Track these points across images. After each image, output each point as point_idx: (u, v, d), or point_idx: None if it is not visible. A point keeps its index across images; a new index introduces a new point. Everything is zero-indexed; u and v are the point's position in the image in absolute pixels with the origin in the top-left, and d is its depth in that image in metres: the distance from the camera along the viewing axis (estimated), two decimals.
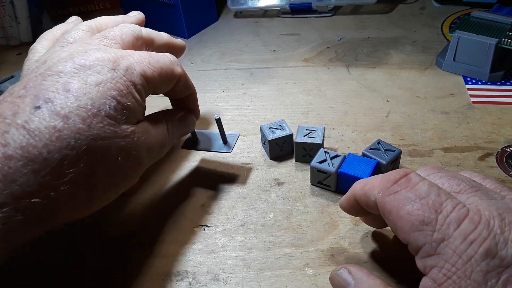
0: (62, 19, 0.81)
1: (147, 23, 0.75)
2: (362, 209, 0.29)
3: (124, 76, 0.29)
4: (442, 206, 0.23)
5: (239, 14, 0.77)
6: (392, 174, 0.26)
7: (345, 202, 0.31)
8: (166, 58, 0.33)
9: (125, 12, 0.76)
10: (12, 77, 0.62)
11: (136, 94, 0.30)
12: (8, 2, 0.69)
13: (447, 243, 0.22)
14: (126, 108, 0.28)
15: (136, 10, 0.77)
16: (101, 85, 0.27)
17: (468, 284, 0.21)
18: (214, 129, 0.50)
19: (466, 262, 0.21)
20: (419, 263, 0.23)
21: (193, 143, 0.42)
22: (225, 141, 0.41)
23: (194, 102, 0.39)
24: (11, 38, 0.73)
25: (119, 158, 0.28)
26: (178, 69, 0.34)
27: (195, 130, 0.41)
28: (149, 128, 0.32)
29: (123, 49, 0.32)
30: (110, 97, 0.27)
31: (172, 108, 0.40)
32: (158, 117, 0.35)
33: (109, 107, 0.27)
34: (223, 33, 0.73)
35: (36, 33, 0.74)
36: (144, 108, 0.32)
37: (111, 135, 0.27)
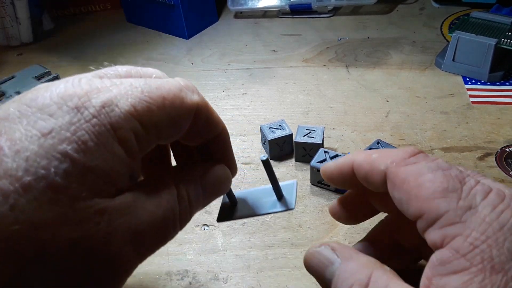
0: (62, 19, 0.82)
1: (147, 23, 0.76)
2: (349, 180, 0.25)
3: (95, 117, 0.18)
4: (466, 179, 0.21)
5: (239, 15, 0.78)
6: (409, 148, 0.24)
7: (335, 167, 0.26)
8: (172, 83, 0.21)
9: (125, 12, 0.77)
10: (12, 77, 0.62)
11: (115, 146, 0.18)
12: (9, 3, 0.69)
13: (474, 211, 0.20)
14: (90, 171, 0.17)
15: (136, 10, 0.77)
16: (49, 135, 0.17)
17: (501, 253, 0.19)
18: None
19: (498, 230, 0.19)
20: (435, 234, 0.20)
21: (232, 209, 0.28)
22: (280, 196, 0.27)
23: (226, 146, 0.26)
24: (11, 39, 0.73)
25: (70, 263, 0.17)
26: (193, 98, 0.22)
27: (232, 190, 0.27)
28: (138, 202, 0.20)
29: None
30: (59, 155, 0.17)
31: (187, 161, 0.27)
32: (162, 179, 0.22)
33: (55, 171, 0.17)
34: (223, 33, 0.73)
35: (36, 34, 0.75)
36: (134, 170, 0.20)
37: (55, 221, 0.16)
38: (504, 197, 0.20)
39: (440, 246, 0.20)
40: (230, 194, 0.28)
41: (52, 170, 0.17)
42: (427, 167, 0.22)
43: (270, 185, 0.27)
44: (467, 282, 0.18)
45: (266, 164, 0.26)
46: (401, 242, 0.27)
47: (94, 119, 0.18)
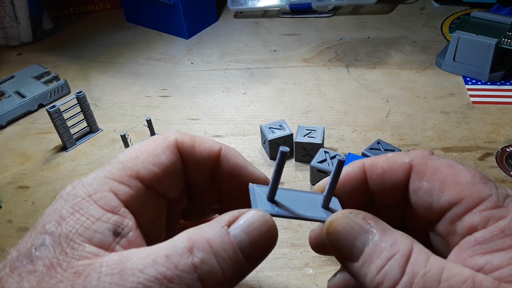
0: (62, 19, 0.82)
1: (147, 23, 0.76)
2: (357, 188, 0.24)
3: (72, 194, 0.20)
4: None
5: (239, 14, 0.78)
6: (425, 150, 0.25)
7: (347, 176, 0.24)
8: (143, 141, 0.24)
9: (125, 11, 0.77)
10: (12, 77, 0.62)
11: (91, 208, 0.20)
12: (8, 2, 0.69)
13: (511, 199, 0.21)
14: (66, 237, 0.19)
15: (136, 10, 0.77)
16: (39, 225, 0.20)
17: None
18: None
19: None
20: (476, 217, 0.20)
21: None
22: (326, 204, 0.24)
23: (235, 162, 0.25)
24: (11, 38, 0.73)
25: None
26: (170, 136, 0.24)
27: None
28: (126, 261, 0.18)
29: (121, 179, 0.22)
30: (40, 234, 0.19)
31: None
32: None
33: (35, 247, 0.19)
34: (223, 33, 0.73)
35: (36, 33, 0.74)
36: (119, 225, 0.20)
37: None
38: None
39: (480, 228, 0.20)
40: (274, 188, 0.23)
41: (33, 248, 0.19)
42: (455, 161, 0.22)
43: (318, 194, 0.24)
44: None
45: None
46: None
47: (71, 196, 0.20)
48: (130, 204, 0.21)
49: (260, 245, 0.20)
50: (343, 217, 0.21)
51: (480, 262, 0.19)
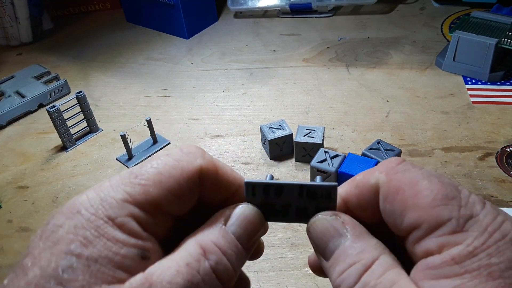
0: (62, 19, 0.82)
1: (147, 23, 0.76)
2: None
3: (93, 214, 0.20)
4: (459, 187, 0.21)
5: (239, 14, 0.78)
6: (393, 158, 0.24)
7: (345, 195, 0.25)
8: (171, 155, 0.23)
9: (125, 11, 0.77)
10: (12, 77, 0.62)
11: (116, 233, 0.20)
12: (8, 2, 0.69)
13: (476, 220, 0.20)
14: (94, 261, 0.19)
15: (136, 10, 0.77)
16: (58, 242, 0.20)
17: (500, 261, 0.19)
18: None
19: (500, 240, 0.19)
20: (432, 242, 0.20)
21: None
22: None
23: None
24: (11, 38, 0.73)
25: None
26: (195, 163, 0.22)
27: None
28: (151, 279, 0.20)
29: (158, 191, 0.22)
30: (65, 254, 0.19)
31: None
32: (182, 243, 0.22)
33: (62, 269, 0.19)
34: (223, 33, 0.73)
35: (36, 33, 0.74)
36: (145, 249, 0.21)
37: None
38: (498, 209, 0.20)
39: (436, 253, 0.20)
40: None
41: (60, 269, 0.19)
42: (421, 174, 0.22)
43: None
44: (459, 286, 0.18)
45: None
46: None
47: (92, 216, 0.20)
48: (150, 229, 0.22)
49: (254, 234, 0.23)
50: (322, 219, 0.23)
51: (426, 286, 0.19)
